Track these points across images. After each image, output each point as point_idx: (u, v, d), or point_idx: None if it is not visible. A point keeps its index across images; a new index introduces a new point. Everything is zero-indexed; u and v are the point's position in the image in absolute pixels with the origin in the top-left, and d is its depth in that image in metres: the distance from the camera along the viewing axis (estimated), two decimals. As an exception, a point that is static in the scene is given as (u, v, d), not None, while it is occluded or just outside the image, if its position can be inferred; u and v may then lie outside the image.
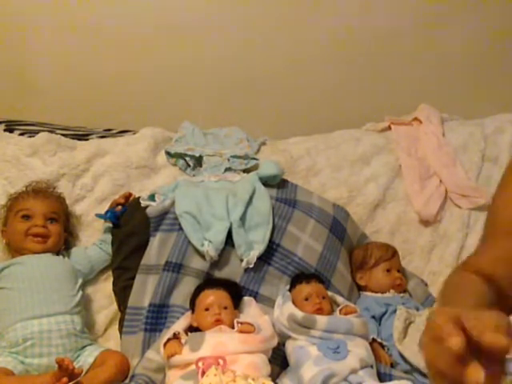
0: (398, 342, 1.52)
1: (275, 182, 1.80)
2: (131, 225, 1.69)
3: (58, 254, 1.66)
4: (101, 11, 2.13)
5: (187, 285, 1.55)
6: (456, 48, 2.35)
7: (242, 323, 1.38)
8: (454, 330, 0.47)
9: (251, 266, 1.57)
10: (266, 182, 1.78)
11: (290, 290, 1.54)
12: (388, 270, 1.74)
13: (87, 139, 1.99)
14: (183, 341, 1.36)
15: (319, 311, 1.45)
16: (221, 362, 1.25)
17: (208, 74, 2.25)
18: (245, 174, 1.85)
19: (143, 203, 1.69)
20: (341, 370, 1.28)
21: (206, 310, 1.42)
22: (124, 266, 1.66)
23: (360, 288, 1.77)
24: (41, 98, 2.18)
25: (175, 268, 1.56)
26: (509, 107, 2.25)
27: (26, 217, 1.63)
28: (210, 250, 1.54)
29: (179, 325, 1.44)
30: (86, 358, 1.45)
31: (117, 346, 1.56)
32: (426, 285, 1.88)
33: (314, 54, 2.29)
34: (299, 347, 1.38)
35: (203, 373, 1.21)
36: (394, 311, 1.61)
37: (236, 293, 1.50)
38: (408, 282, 1.82)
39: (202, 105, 2.26)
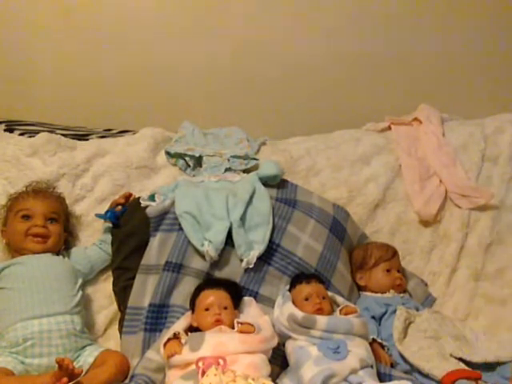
0: (398, 342, 1.52)
1: (275, 182, 1.80)
2: (131, 225, 1.69)
3: (57, 254, 1.66)
4: (101, 11, 2.13)
5: (187, 285, 1.55)
6: (456, 48, 2.35)
7: (242, 323, 1.38)
8: None
9: (251, 266, 1.57)
10: (266, 182, 1.78)
11: (289, 290, 1.54)
12: (388, 270, 1.75)
13: (87, 139, 1.99)
14: (183, 341, 1.36)
15: (319, 311, 1.45)
16: (221, 361, 1.25)
17: (208, 74, 2.25)
18: (245, 174, 1.85)
19: (143, 203, 1.69)
20: (341, 370, 1.28)
21: (206, 310, 1.42)
22: (124, 266, 1.66)
23: (360, 288, 1.77)
24: (41, 98, 2.18)
25: (175, 268, 1.56)
26: (509, 107, 2.25)
27: (26, 217, 1.63)
28: (210, 250, 1.54)
29: (179, 325, 1.44)
30: (86, 358, 1.45)
31: (117, 346, 1.56)
32: (426, 285, 1.88)
33: (314, 54, 2.29)
34: (299, 347, 1.38)
35: (203, 373, 1.21)
36: (394, 311, 1.61)
37: (236, 293, 1.50)
38: (408, 282, 1.82)
39: (202, 105, 2.26)
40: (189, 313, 1.48)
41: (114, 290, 1.68)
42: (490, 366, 1.45)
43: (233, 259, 1.58)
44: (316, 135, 2.16)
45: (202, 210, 1.61)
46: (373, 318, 1.62)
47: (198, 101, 2.25)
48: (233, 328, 1.38)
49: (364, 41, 2.30)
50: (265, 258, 1.60)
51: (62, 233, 1.68)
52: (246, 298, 1.54)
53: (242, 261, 1.57)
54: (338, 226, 1.78)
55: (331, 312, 1.49)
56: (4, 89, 2.14)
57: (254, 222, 1.63)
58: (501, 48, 2.37)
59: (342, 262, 1.73)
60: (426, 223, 1.98)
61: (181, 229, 1.60)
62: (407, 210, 2.00)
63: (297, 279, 1.56)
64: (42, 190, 1.70)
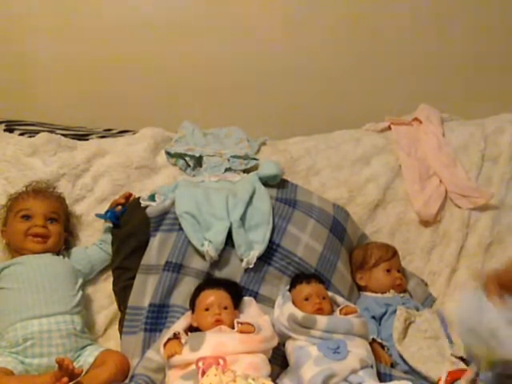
0: (398, 343, 1.52)
1: (275, 182, 1.80)
2: (131, 225, 1.69)
3: (58, 254, 1.66)
4: (101, 12, 2.13)
5: (187, 285, 1.55)
6: (456, 48, 2.35)
7: (242, 323, 1.38)
8: None
9: (251, 266, 1.57)
10: (266, 182, 1.78)
11: (289, 290, 1.54)
12: (388, 270, 1.74)
13: (87, 139, 1.99)
14: (183, 341, 1.36)
15: (319, 311, 1.45)
16: (221, 361, 1.24)
17: (208, 74, 2.25)
18: (245, 174, 1.85)
19: (143, 203, 1.69)
20: (341, 370, 1.28)
21: (206, 310, 1.42)
22: (124, 266, 1.66)
23: (360, 288, 1.77)
24: (41, 98, 2.18)
25: (175, 268, 1.56)
26: (509, 107, 2.25)
27: (26, 217, 1.63)
28: (210, 250, 1.54)
29: (179, 325, 1.44)
30: (86, 358, 1.45)
31: (117, 346, 1.56)
32: (426, 285, 1.88)
33: (314, 54, 2.29)
34: (299, 347, 1.38)
35: (203, 373, 1.21)
36: (394, 311, 1.61)
37: (236, 293, 1.50)
38: (408, 282, 1.82)
39: (202, 105, 2.26)
40: (189, 313, 1.48)
41: (114, 290, 1.68)
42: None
43: (233, 259, 1.58)
44: (316, 135, 2.16)
45: (202, 210, 1.61)
46: (373, 318, 1.62)
47: (198, 101, 2.25)
48: (233, 328, 1.38)
49: (364, 41, 2.30)
50: (265, 258, 1.60)
51: (62, 233, 1.68)
52: (246, 298, 1.54)
53: (242, 261, 1.57)
54: (338, 226, 1.78)
55: (331, 312, 1.49)
56: (4, 89, 2.14)
57: (254, 221, 1.63)
58: (501, 48, 2.37)
59: (342, 262, 1.73)
60: (425, 223, 1.98)
61: (181, 229, 1.60)
62: (407, 210, 2.00)
63: (297, 279, 1.56)
64: (42, 190, 1.70)
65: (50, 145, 1.86)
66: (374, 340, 1.51)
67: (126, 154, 1.90)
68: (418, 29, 2.32)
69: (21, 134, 1.95)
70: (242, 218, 1.62)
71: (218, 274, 1.57)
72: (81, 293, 1.60)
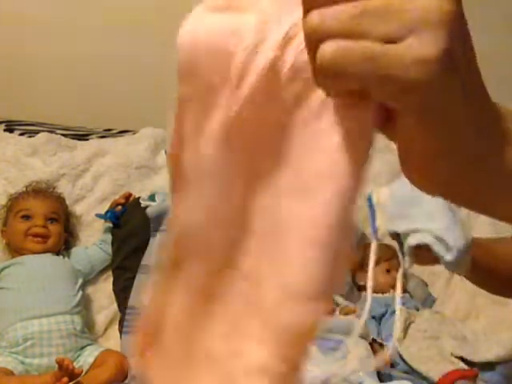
0: (398, 343, 1.52)
1: (275, 182, 1.80)
2: (131, 225, 1.69)
3: (58, 254, 1.66)
4: (101, 11, 2.13)
5: (187, 285, 1.55)
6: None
7: (242, 323, 1.38)
8: None
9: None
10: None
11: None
12: (388, 270, 1.74)
13: (87, 139, 1.99)
14: (183, 341, 1.36)
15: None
16: (221, 362, 1.24)
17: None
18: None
19: (143, 203, 1.69)
20: (341, 371, 1.28)
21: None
22: (124, 266, 1.66)
23: (360, 288, 1.77)
24: (41, 98, 2.18)
25: (175, 268, 1.56)
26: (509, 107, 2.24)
27: (26, 217, 1.63)
28: (210, 250, 1.54)
29: (179, 325, 1.43)
30: (86, 358, 1.45)
31: (117, 346, 1.56)
32: (426, 285, 1.88)
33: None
34: (299, 347, 1.38)
35: (203, 373, 1.21)
36: (394, 311, 1.61)
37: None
38: (408, 282, 1.82)
39: (202, 105, 2.25)
40: (189, 313, 1.48)
41: (114, 290, 1.68)
42: (490, 366, 1.45)
43: (233, 259, 1.58)
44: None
45: (202, 210, 1.61)
46: (373, 318, 1.62)
47: (198, 101, 2.25)
48: (233, 328, 1.38)
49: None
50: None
51: (62, 233, 1.68)
52: (246, 298, 1.54)
53: (242, 261, 1.57)
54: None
55: (331, 312, 1.48)
56: (4, 89, 2.14)
57: (254, 221, 1.63)
58: (501, 48, 2.37)
59: (342, 262, 1.73)
60: (426, 223, 1.98)
61: (181, 229, 1.60)
62: (407, 209, 2.00)
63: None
64: (42, 190, 1.70)
65: (50, 145, 1.86)
66: (374, 340, 1.51)
67: (126, 153, 1.90)
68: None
69: (21, 134, 1.95)
70: (242, 218, 1.62)
71: (218, 274, 1.57)
72: (81, 293, 1.60)
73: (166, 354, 0.43)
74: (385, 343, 1.53)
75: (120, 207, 1.75)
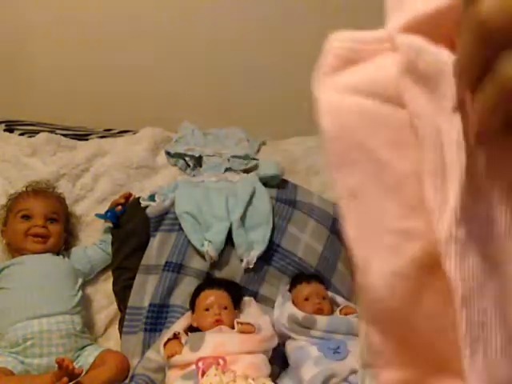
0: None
1: (275, 183, 1.80)
2: (131, 225, 1.69)
3: (58, 254, 1.66)
4: (101, 11, 2.13)
5: (187, 285, 1.55)
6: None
7: (242, 323, 1.38)
8: None
9: (251, 266, 1.57)
10: (266, 182, 1.78)
11: (290, 290, 1.54)
12: (388, 270, 1.74)
13: (87, 139, 1.99)
14: (183, 341, 1.36)
15: (319, 311, 1.45)
16: (221, 362, 1.25)
17: (208, 74, 2.25)
18: (245, 174, 1.85)
19: (143, 203, 1.69)
20: (341, 371, 1.28)
21: (206, 310, 1.42)
22: (124, 266, 1.66)
23: (360, 288, 1.77)
24: (41, 98, 2.18)
25: (175, 268, 1.56)
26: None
27: (26, 217, 1.63)
28: (210, 250, 1.54)
29: (179, 325, 1.44)
30: (86, 358, 1.45)
31: (117, 345, 1.56)
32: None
33: (314, 54, 2.28)
34: (299, 347, 1.38)
35: (203, 373, 1.21)
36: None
37: (236, 293, 1.50)
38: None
39: (202, 105, 2.26)
40: (189, 313, 1.48)
41: (114, 290, 1.68)
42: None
43: (233, 259, 1.58)
44: (316, 135, 2.15)
45: (201, 210, 1.62)
46: (373, 317, 1.62)
47: (198, 101, 2.25)
48: (233, 328, 1.38)
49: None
50: (265, 257, 1.60)
51: (62, 233, 1.68)
52: (246, 298, 1.54)
53: (242, 261, 1.57)
54: (338, 226, 1.78)
55: (331, 312, 1.49)
56: (4, 89, 2.14)
57: (254, 222, 1.63)
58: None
59: (342, 262, 1.73)
60: (426, 223, 1.98)
61: (181, 229, 1.60)
62: (407, 210, 2.00)
63: (297, 279, 1.56)
64: (41, 190, 1.70)
65: (49, 145, 1.86)
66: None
67: (126, 153, 1.90)
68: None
69: (21, 134, 1.95)
70: (242, 218, 1.62)
71: (218, 274, 1.57)
72: (81, 293, 1.60)
73: None
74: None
75: (120, 207, 1.75)
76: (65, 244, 1.73)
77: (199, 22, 2.19)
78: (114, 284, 1.68)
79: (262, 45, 2.25)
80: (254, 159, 1.95)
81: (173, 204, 1.65)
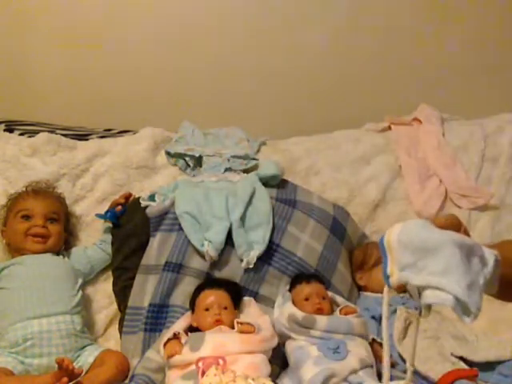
0: (398, 343, 1.52)
1: (275, 183, 1.80)
2: (131, 225, 1.69)
3: (58, 254, 1.66)
4: (100, 11, 2.13)
5: (187, 285, 1.55)
6: (456, 48, 2.35)
7: (241, 323, 1.38)
8: None
9: (251, 266, 1.57)
10: (266, 182, 1.78)
11: (290, 290, 1.54)
12: (388, 270, 1.74)
13: (87, 139, 1.99)
14: (183, 341, 1.36)
15: (319, 311, 1.45)
16: (221, 362, 1.25)
17: (208, 74, 2.25)
18: (245, 174, 1.85)
19: (143, 203, 1.69)
20: (341, 370, 1.28)
21: (206, 310, 1.42)
22: (124, 266, 1.66)
23: (360, 288, 1.77)
24: (41, 98, 2.18)
25: (175, 268, 1.56)
26: (509, 107, 2.25)
27: (26, 217, 1.63)
28: (210, 250, 1.54)
29: (179, 325, 1.44)
30: (86, 358, 1.45)
31: (117, 345, 1.56)
32: (426, 285, 1.87)
33: (314, 54, 2.29)
34: (299, 347, 1.38)
35: (203, 373, 1.21)
36: (394, 311, 1.61)
37: (236, 293, 1.50)
38: (408, 282, 1.82)
39: (202, 105, 2.26)
40: (189, 313, 1.48)
41: (114, 290, 1.68)
42: (490, 365, 1.45)
43: (233, 259, 1.58)
44: (316, 135, 2.16)
45: (201, 210, 1.61)
46: (373, 317, 1.62)
47: (198, 101, 2.25)
48: (233, 328, 1.38)
49: (364, 41, 2.30)
50: (265, 257, 1.60)
51: (62, 233, 1.68)
52: (246, 298, 1.54)
53: (242, 261, 1.57)
54: (338, 226, 1.78)
55: (331, 312, 1.49)
56: (4, 89, 2.14)
57: (254, 222, 1.63)
58: (501, 48, 2.36)
59: (342, 262, 1.73)
60: (426, 223, 1.98)
61: (181, 229, 1.60)
62: (407, 209, 2.00)
63: (297, 279, 1.56)
64: (41, 190, 1.70)
65: (50, 145, 1.86)
66: (373, 340, 1.51)
67: (126, 153, 1.90)
68: (418, 29, 2.32)
69: (21, 134, 1.95)
70: (242, 218, 1.62)
71: (218, 274, 1.57)
72: (81, 293, 1.60)
73: None
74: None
75: (120, 207, 1.75)
76: (65, 244, 1.73)
77: (199, 23, 2.19)
78: (114, 284, 1.68)
79: (262, 45, 2.25)
80: (253, 159, 1.95)
81: (173, 204, 1.65)
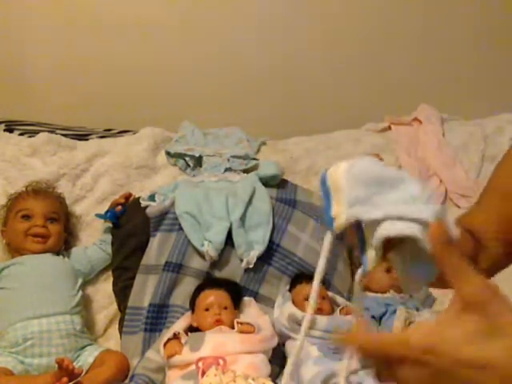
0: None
1: (275, 182, 1.80)
2: (131, 225, 1.69)
3: (58, 254, 1.66)
4: (101, 12, 2.13)
5: (187, 285, 1.55)
6: (456, 48, 2.35)
7: (242, 323, 1.38)
8: None
9: (251, 266, 1.57)
10: (266, 182, 1.78)
11: (290, 290, 1.54)
12: (388, 270, 1.74)
13: (87, 139, 1.99)
14: (183, 341, 1.36)
15: (319, 311, 1.45)
16: (221, 362, 1.25)
17: (208, 74, 2.25)
18: (245, 174, 1.85)
19: (143, 203, 1.69)
20: (341, 370, 1.28)
21: (206, 310, 1.42)
22: (124, 265, 1.66)
23: (360, 288, 1.77)
24: (41, 98, 2.18)
25: (175, 268, 1.56)
26: (509, 107, 2.25)
27: (26, 217, 1.63)
28: (210, 250, 1.54)
29: (179, 325, 1.44)
30: (86, 358, 1.45)
31: (117, 345, 1.56)
32: (426, 285, 1.87)
33: (314, 54, 2.29)
34: (299, 347, 1.38)
35: (203, 373, 1.21)
36: (394, 311, 1.61)
37: (236, 293, 1.50)
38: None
39: (202, 105, 2.26)
40: (189, 313, 1.48)
41: (114, 290, 1.68)
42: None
43: (233, 259, 1.58)
44: (316, 135, 2.16)
45: (201, 210, 1.61)
46: (373, 317, 1.62)
47: (198, 101, 2.25)
48: (233, 328, 1.38)
49: (364, 41, 2.30)
50: (265, 257, 1.60)
51: (62, 233, 1.68)
52: (246, 298, 1.54)
53: (241, 261, 1.57)
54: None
55: (331, 312, 1.49)
56: (4, 89, 2.14)
57: (254, 222, 1.63)
58: (501, 48, 2.37)
59: (342, 262, 1.73)
60: (425, 223, 1.98)
61: (181, 229, 1.60)
62: (407, 210, 2.00)
63: (297, 279, 1.56)
64: (41, 190, 1.70)
65: (49, 145, 1.86)
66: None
67: (125, 153, 1.90)
68: (417, 29, 2.32)
69: (21, 134, 1.95)
70: (242, 218, 1.62)
71: (218, 274, 1.57)
72: (81, 293, 1.60)
73: None
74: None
75: (120, 207, 1.75)
76: (65, 244, 1.72)
77: (199, 23, 2.19)
78: (114, 284, 1.68)
79: (261, 45, 2.25)
80: (253, 159, 1.95)
81: (173, 204, 1.65)
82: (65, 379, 1.26)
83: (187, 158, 1.93)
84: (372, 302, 1.68)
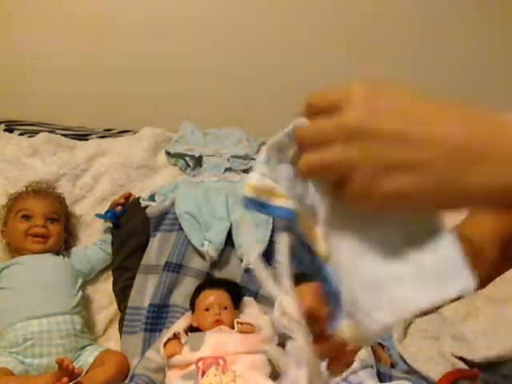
0: (398, 343, 1.52)
1: (275, 182, 1.80)
2: (131, 225, 1.69)
3: (58, 254, 1.66)
4: (101, 12, 2.13)
5: (187, 285, 1.55)
6: (456, 48, 2.35)
7: (242, 323, 1.38)
8: None
9: (251, 266, 1.56)
10: (266, 182, 1.78)
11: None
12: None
13: (87, 139, 1.99)
14: (183, 341, 1.36)
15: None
16: (221, 362, 1.25)
17: (208, 74, 2.25)
18: (245, 174, 1.85)
19: (143, 203, 1.69)
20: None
21: (206, 310, 1.42)
22: (124, 265, 1.66)
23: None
24: (41, 98, 2.18)
25: (175, 268, 1.56)
26: (509, 107, 2.24)
27: (26, 217, 1.63)
28: (210, 250, 1.54)
29: (179, 325, 1.44)
30: (86, 358, 1.45)
31: (117, 345, 1.56)
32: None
33: (314, 54, 2.29)
34: (299, 347, 1.38)
35: (203, 373, 1.21)
36: (394, 311, 1.61)
37: (236, 293, 1.50)
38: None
39: (202, 105, 2.26)
40: (189, 313, 1.48)
41: (114, 290, 1.68)
42: (490, 366, 1.45)
43: (233, 259, 1.58)
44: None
45: (201, 210, 1.62)
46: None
47: (198, 101, 2.25)
48: (233, 328, 1.38)
49: (363, 41, 2.30)
50: (265, 258, 1.60)
51: (62, 233, 1.68)
52: (246, 298, 1.54)
53: (242, 261, 1.57)
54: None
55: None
56: (4, 89, 2.14)
57: (254, 222, 1.63)
58: (501, 48, 2.36)
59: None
60: (426, 223, 1.98)
61: (181, 229, 1.60)
62: (407, 210, 2.00)
63: (297, 279, 1.56)
64: (41, 190, 1.70)
65: (49, 145, 1.86)
66: (373, 340, 1.51)
67: (125, 153, 1.90)
68: (417, 29, 2.32)
69: (21, 134, 1.95)
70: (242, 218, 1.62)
71: (218, 274, 1.57)
72: (81, 293, 1.60)
73: None
74: (385, 343, 1.53)
75: (120, 207, 1.75)
76: (65, 244, 1.72)
77: (199, 23, 2.19)
78: (114, 284, 1.68)
79: (262, 45, 2.25)
80: (253, 159, 1.95)
81: (173, 204, 1.65)
82: (65, 379, 1.26)
83: (187, 158, 1.93)
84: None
